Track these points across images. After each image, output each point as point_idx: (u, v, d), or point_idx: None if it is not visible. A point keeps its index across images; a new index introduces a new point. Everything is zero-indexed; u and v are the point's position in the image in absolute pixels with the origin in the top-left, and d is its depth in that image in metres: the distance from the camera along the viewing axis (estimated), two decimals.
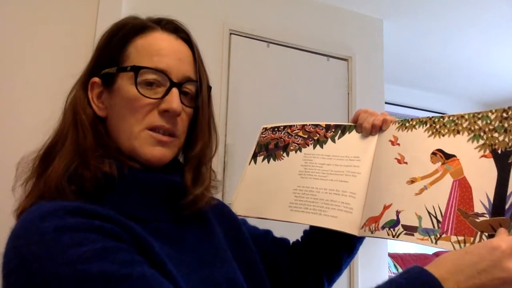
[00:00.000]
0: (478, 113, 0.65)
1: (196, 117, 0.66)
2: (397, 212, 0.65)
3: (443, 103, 4.05)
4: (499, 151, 0.61)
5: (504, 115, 0.62)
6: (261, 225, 0.81)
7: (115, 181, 0.56)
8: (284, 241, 0.84)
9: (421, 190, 0.65)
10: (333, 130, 0.84)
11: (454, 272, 0.50)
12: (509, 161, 0.59)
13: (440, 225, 0.60)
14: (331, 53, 2.38)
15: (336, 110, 2.34)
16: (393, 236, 0.64)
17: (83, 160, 0.56)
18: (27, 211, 0.52)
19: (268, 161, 0.86)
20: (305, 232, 0.84)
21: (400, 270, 3.25)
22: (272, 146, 0.88)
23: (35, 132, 0.61)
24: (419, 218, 0.63)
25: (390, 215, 0.66)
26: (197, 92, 0.65)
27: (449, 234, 0.59)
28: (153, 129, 0.60)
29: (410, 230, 0.63)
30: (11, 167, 0.60)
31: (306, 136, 0.85)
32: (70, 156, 0.57)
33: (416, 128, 0.73)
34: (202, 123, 0.66)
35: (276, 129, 0.90)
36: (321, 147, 0.82)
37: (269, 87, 2.18)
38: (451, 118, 0.69)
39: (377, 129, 0.78)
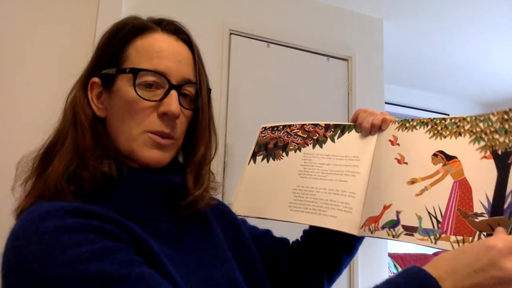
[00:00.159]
0: (480, 116, 0.66)
1: (196, 119, 0.66)
2: (397, 213, 0.65)
3: (443, 103, 4.05)
4: (500, 152, 0.61)
5: (505, 117, 0.63)
6: (261, 225, 0.81)
7: (114, 181, 0.56)
8: (284, 241, 0.84)
9: (422, 191, 0.65)
10: (332, 129, 0.83)
11: (451, 271, 0.50)
12: (509, 161, 0.59)
13: (439, 225, 0.60)
14: (331, 53, 2.38)
15: (336, 110, 2.34)
16: (393, 236, 0.64)
17: (82, 160, 0.56)
18: (26, 211, 0.52)
19: (268, 161, 0.86)
20: (304, 232, 0.84)
21: (400, 270, 3.24)
22: (271, 145, 0.88)
23: (35, 132, 0.61)
24: (419, 218, 0.63)
25: (390, 215, 0.66)
26: (196, 94, 0.64)
27: (448, 234, 0.59)
28: (152, 133, 0.60)
29: (410, 230, 0.63)
30: (11, 167, 0.60)
31: (305, 136, 0.85)
32: (70, 156, 0.57)
33: (416, 129, 0.73)
34: (202, 125, 0.66)
35: (275, 129, 0.89)
36: (321, 146, 0.82)
37: (269, 87, 2.18)
38: (453, 121, 0.69)
39: (376, 128, 0.78)
